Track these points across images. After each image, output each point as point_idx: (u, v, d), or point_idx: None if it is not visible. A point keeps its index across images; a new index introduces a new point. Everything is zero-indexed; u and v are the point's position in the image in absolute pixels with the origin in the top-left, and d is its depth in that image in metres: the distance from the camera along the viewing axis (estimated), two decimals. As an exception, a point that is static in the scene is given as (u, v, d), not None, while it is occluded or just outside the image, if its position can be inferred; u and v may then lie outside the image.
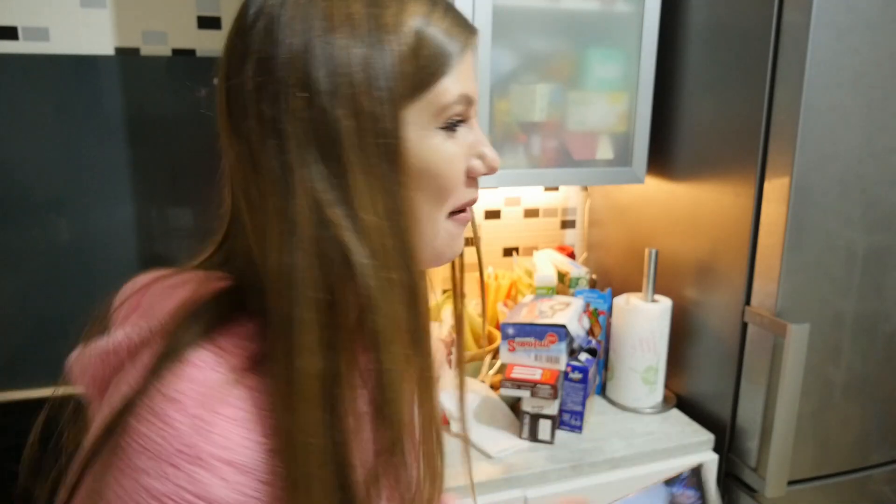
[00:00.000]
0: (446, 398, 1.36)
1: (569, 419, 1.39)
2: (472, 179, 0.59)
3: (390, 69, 0.51)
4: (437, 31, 0.54)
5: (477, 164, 0.59)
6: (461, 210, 0.60)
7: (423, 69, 0.53)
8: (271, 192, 0.50)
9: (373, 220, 0.50)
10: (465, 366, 0.63)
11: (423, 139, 0.54)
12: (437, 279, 1.80)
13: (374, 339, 0.51)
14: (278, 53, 0.50)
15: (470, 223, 0.65)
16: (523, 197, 1.85)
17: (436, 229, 0.58)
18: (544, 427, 1.33)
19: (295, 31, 0.50)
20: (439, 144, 0.55)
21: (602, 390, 1.57)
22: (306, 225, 0.49)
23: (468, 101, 0.56)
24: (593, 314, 1.52)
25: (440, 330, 1.53)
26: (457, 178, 0.57)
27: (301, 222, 0.49)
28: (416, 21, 0.52)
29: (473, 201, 0.61)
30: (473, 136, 0.58)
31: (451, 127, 0.56)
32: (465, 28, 0.57)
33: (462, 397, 0.71)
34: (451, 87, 0.54)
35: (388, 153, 0.51)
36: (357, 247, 0.49)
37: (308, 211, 0.49)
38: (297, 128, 0.50)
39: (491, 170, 0.59)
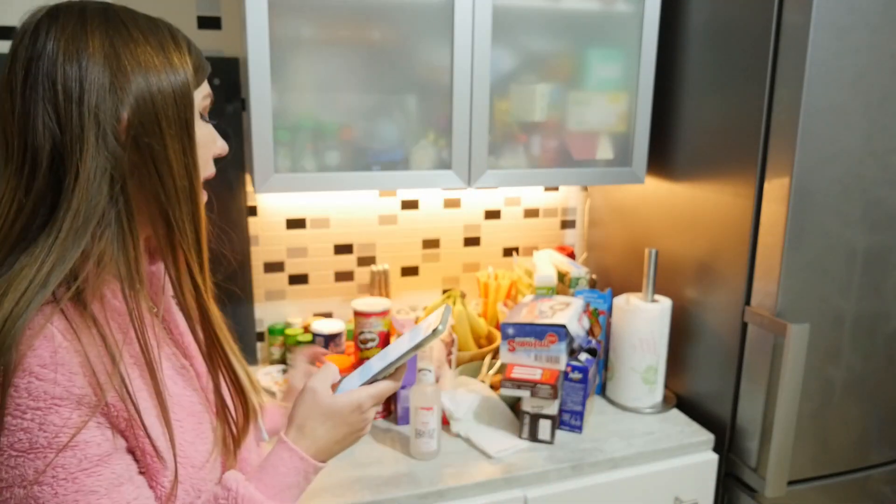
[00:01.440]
0: (446, 398, 1.36)
1: (569, 419, 1.39)
2: (217, 156, 0.79)
3: (178, 63, 0.70)
4: (194, 58, 0.73)
5: (214, 147, 0.78)
6: (207, 181, 0.78)
7: (195, 70, 0.72)
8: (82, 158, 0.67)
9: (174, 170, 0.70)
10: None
11: (196, 121, 0.73)
12: (438, 279, 1.81)
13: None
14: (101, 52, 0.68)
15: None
16: (523, 197, 1.85)
17: (199, 194, 0.76)
18: (544, 427, 1.33)
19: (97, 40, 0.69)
20: (207, 129, 0.76)
21: (602, 390, 1.57)
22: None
23: (209, 97, 0.76)
24: (593, 314, 1.52)
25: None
26: (209, 152, 0.77)
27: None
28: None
29: (212, 176, 0.78)
30: (208, 126, 0.77)
31: (204, 116, 0.76)
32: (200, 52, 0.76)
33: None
34: (205, 85, 0.76)
35: (182, 125, 0.70)
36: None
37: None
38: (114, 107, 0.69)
39: (222, 152, 0.79)
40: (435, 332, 0.80)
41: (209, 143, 0.76)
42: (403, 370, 0.84)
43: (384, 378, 0.83)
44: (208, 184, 0.77)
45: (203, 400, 0.78)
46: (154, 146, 0.67)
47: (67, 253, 0.64)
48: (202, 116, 0.75)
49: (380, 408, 0.85)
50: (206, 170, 0.76)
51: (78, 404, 0.62)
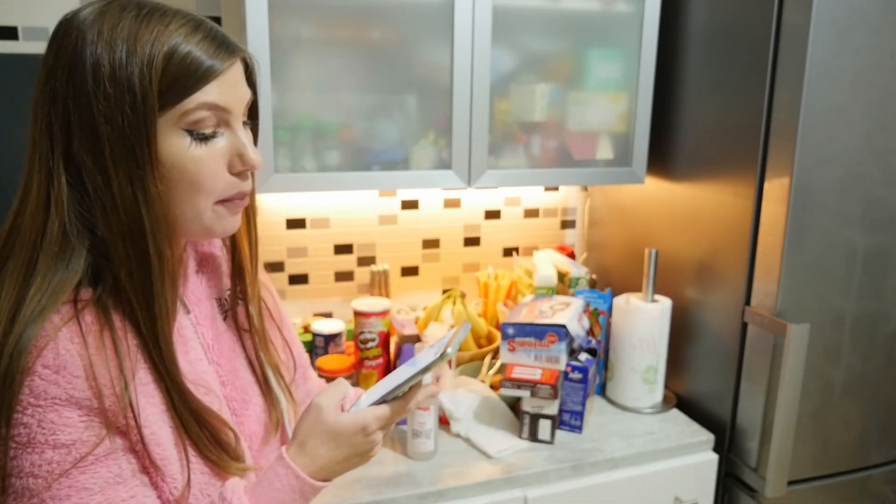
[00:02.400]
0: (446, 398, 1.36)
1: (569, 419, 1.39)
2: (238, 174, 0.71)
3: (137, 82, 0.62)
4: (192, 51, 0.64)
5: (235, 162, 0.70)
6: (231, 199, 0.72)
7: (172, 84, 0.64)
8: (38, 180, 0.67)
9: (117, 203, 0.64)
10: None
11: (170, 142, 0.65)
12: (438, 279, 1.81)
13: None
14: (56, 63, 0.64)
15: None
16: (523, 197, 1.85)
17: (198, 211, 0.69)
18: (544, 427, 1.33)
19: (70, 42, 0.63)
20: (185, 148, 0.66)
21: (602, 390, 1.57)
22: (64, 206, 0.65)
23: (215, 108, 0.67)
24: (593, 314, 1.52)
25: (440, 329, 1.53)
26: (209, 174, 0.68)
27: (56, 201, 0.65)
28: (171, 41, 0.64)
29: (242, 193, 0.72)
30: (234, 139, 0.69)
31: (196, 132, 0.66)
32: (225, 49, 0.67)
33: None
34: (197, 97, 0.65)
35: (130, 152, 0.63)
36: (101, 224, 0.66)
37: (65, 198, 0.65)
38: (63, 128, 0.65)
39: (249, 167, 0.71)
40: (443, 355, 0.76)
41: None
42: (415, 392, 0.80)
43: (393, 400, 0.79)
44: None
45: (222, 406, 0.78)
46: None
47: (83, 257, 0.66)
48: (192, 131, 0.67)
49: (390, 430, 0.82)
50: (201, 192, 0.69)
51: (77, 406, 0.63)
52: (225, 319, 0.83)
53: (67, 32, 0.64)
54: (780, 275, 1.25)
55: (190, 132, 0.66)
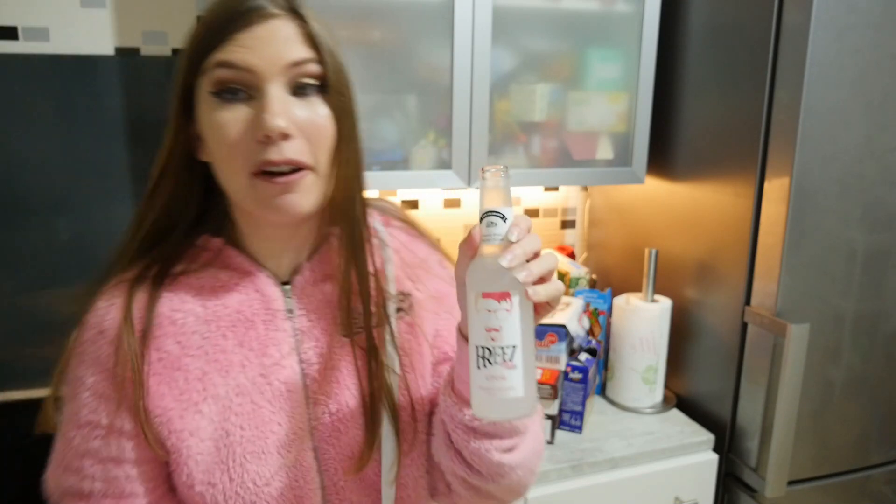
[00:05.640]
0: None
1: (569, 419, 1.39)
2: (262, 142, 0.63)
3: (186, 46, 0.65)
4: (213, 14, 0.64)
5: (254, 128, 0.63)
6: (265, 172, 0.64)
7: (199, 45, 0.64)
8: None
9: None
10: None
11: (202, 105, 0.65)
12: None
13: None
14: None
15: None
16: (523, 197, 1.85)
17: (237, 185, 0.66)
18: (544, 427, 1.33)
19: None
20: (211, 111, 0.64)
21: (602, 390, 1.57)
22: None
23: (233, 67, 0.63)
24: (593, 314, 1.52)
25: None
26: (229, 140, 0.63)
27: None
28: (206, 16, 0.64)
29: (268, 161, 0.63)
30: (259, 104, 0.63)
31: (222, 94, 0.64)
32: (241, 9, 0.63)
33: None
34: (215, 56, 0.63)
35: (173, 115, 0.66)
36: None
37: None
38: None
39: (263, 131, 0.62)
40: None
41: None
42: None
43: None
44: None
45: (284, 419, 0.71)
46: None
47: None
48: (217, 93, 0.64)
49: None
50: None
51: (95, 368, 0.67)
52: (344, 335, 0.73)
53: None
54: (780, 275, 1.25)
55: (215, 94, 0.64)
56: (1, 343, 1.46)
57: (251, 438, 0.68)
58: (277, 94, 0.63)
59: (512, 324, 0.58)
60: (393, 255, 0.78)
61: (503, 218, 0.59)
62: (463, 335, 0.65)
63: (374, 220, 0.80)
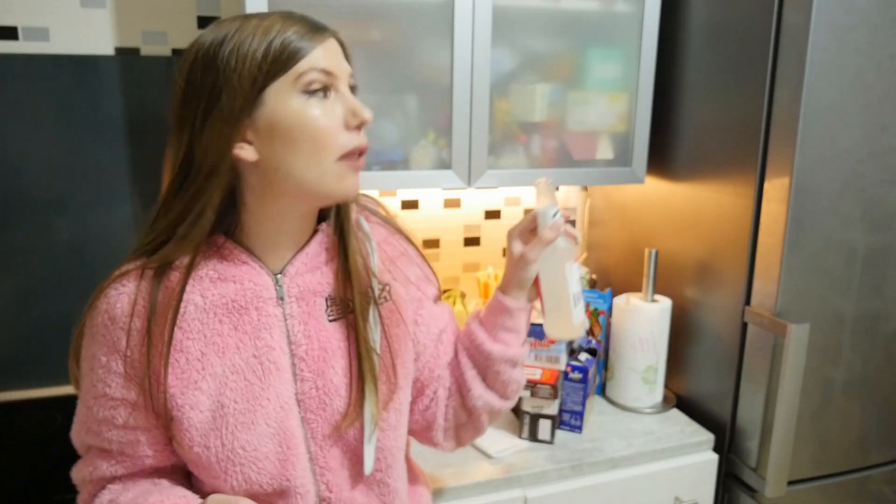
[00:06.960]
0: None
1: (569, 419, 1.39)
2: (353, 129, 0.78)
3: (248, 61, 0.73)
4: (289, 34, 0.74)
5: (350, 119, 0.78)
6: (351, 155, 0.78)
7: (277, 59, 0.73)
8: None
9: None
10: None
11: (284, 105, 0.74)
12: (440, 279, 1.80)
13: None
14: (193, 67, 0.75)
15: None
16: (523, 197, 1.85)
17: (322, 170, 0.77)
18: (544, 427, 1.33)
19: (208, 49, 0.75)
20: (301, 106, 0.75)
21: (602, 390, 1.57)
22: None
23: (324, 72, 0.76)
24: (593, 314, 1.52)
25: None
26: (327, 129, 0.76)
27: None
28: (272, 31, 0.74)
29: (360, 147, 0.79)
30: (344, 99, 0.78)
31: (313, 93, 0.75)
32: (315, 29, 0.77)
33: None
34: (303, 65, 0.74)
35: (223, 115, 0.73)
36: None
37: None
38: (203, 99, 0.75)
39: (362, 121, 0.78)
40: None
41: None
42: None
43: None
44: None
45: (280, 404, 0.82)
46: None
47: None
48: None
49: None
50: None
51: (107, 349, 0.78)
52: (331, 320, 0.85)
53: (201, 46, 0.75)
54: (780, 275, 1.25)
55: (307, 93, 0.75)
56: (1, 343, 1.46)
57: (242, 411, 0.79)
58: (352, 96, 0.79)
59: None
60: (376, 247, 0.90)
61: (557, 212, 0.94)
62: (515, 297, 0.94)
63: (357, 215, 0.91)
